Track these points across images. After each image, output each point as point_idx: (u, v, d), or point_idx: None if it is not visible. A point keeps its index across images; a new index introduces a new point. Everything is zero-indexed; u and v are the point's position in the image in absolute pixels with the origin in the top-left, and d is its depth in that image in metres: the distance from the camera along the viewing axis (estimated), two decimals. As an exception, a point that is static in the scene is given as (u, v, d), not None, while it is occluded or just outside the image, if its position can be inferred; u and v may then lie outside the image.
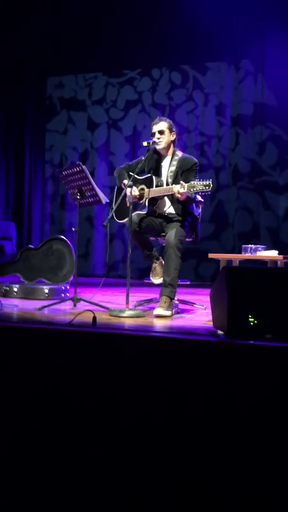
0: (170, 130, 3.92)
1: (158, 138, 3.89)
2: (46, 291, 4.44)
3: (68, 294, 4.56)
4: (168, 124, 3.92)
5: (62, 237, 5.00)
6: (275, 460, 2.33)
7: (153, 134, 3.92)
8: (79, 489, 2.59)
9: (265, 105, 7.09)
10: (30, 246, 5.05)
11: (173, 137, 3.94)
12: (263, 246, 4.07)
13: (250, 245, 4.03)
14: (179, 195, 3.59)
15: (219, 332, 2.85)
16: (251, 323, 2.65)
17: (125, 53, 7.73)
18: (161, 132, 3.90)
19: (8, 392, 2.77)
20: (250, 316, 2.66)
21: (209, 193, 3.53)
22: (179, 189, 3.55)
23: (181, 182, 3.59)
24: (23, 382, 2.79)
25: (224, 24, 7.11)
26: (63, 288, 4.58)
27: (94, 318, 3.02)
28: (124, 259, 7.71)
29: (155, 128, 3.92)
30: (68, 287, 4.65)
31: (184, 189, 3.54)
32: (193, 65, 7.52)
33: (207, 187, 3.49)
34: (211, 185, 3.49)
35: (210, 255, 4.03)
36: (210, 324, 3.04)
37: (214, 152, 7.38)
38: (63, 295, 4.53)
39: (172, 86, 7.64)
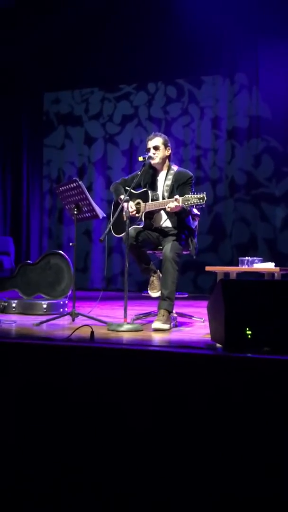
0: (165, 146, 3.96)
1: (154, 153, 3.92)
2: (45, 306, 4.44)
3: (66, 309, 4.57)
4: (163, 140, 3.96)
5: (60, 251, 5.01)
6: (273, 474, 2.32)
7: (148, 149, 3.96)
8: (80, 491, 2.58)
9: (260, 118, 7.15)
10: (28, 261, 5.06)
11: (168, 152, 3.98)
12: (260, 258, 4.09)
13: (246, 258, 4.04)
14: (169, 209, 3.62)
15: (217, 345, 2.85)
16: (249, 336, 2.65)
17: (121, 67, 7.81)
18: (156, 148, 3.93)
19: (6, 408, 2.77)
20: (247, 329, 2.66)
21: (203, 206, 3.56)
22: (175, 203, 3.57)
23: (176, 196, 3.61)
24: (21, 398, 2.78)
25: (218, 37, 7.19)
26: (62, 302, 4.58)
27: (92, 333, 3.02)
28: (122, 272, 7.72)
29: (150, 143, 3.96)
30: (66, 301, 4.65)
31: (179, 203, 3.56)
32: (188, 78, 7.59)
33: (201, 200, 3.52)
34: (205, 198, 3.52)
35: (207, 268, 4.04)
36: (208, 337, 3.04)
37: (211, 164, 7.42)
38: (61, 309, 4.54)
39: (167, 100, 7.70)
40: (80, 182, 3.84)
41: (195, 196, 3.54)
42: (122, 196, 3.97)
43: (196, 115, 7.52)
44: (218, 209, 7.34)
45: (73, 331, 3.11)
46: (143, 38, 7.57)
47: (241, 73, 7.26)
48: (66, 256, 4.90)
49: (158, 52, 7.54)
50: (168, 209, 3.65)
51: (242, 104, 7.25)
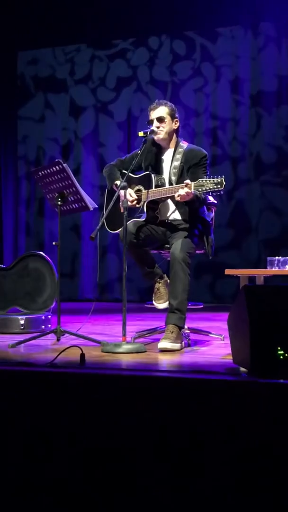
0: (172, 117, 3.97)
1: (158, 127, 3.94)
2: (22, 322, 4.46)
3: (49, 325, 4.58)
4: (169, 109, 3.97)
5: (40, 253, 5.02)
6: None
7: (150, 122, 3.97)
8: None
9: (292, 78, 7.18)
10: (1, 265, 5.08)
11: (175, 125, 3.99)
12: (294, 258, 4.11)
13: (277, 258, 4.06)
14: (178, 197, 3.64)
15: (241, 369, 2.87)
16: (281, 357, 2.67)
17: (115, 18, 7.82)
18: (160, 120, 3.95)
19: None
20: (279, 348, 2.67)
21: (222, 192, 3.57)
22: (186, 190, 3.58)
23: (186, 181, 3.63)
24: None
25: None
26: (43, 317, 4.60)
27: (82, 355, 3.03)
28: (120, 278, 7.69)
29: (153, 114, 3.97)
30: (49, 316, 4.66)
31: (190, 189, 3.58)
32: (201, 31, 7.61)
33: (218, 186, 3.53)
34: (224, 182, 3.53)
35: (227, 271, 4.06)
36: (230, 359, 3.05)
37: (230, 139, 7.44)
38: (43, 326, 4.55)
39: (174, 58, 7.73)
40: (64, 165, 3.85)
41: (211, 180, 3.55)
42: (118, 182, 3.98)
43: (211, 76, 7.54)
44: (241, 195, 7.36)
45: (58, 354, 3.12)
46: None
47: (266, 22, 7.28)
48: (49, 259, 4.91)
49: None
50: (178, 198, 3.66)
51: (270, 62, 7.27)
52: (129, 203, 3.78)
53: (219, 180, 3.54)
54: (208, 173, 3.87)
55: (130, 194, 3.84)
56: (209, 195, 3.70)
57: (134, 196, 3.88)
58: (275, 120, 7.26)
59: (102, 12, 7.84)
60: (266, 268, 4.09)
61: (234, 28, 7.45)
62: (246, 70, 7.40)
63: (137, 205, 3.90)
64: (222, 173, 3.64)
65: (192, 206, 3.83)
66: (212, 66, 7.55)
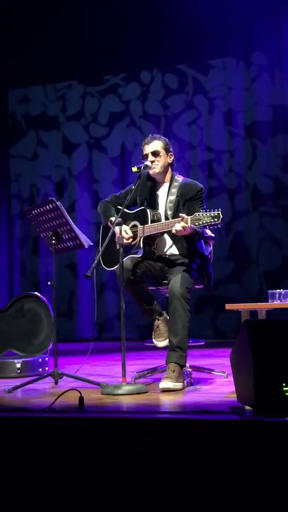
0: (167, 151, 4.01)
1: (152, 161, 3.96)
2: (18, 365, 4.44)
3: (47, 368, 4.55)
4: (163, 143, 4.01)
5: (35, 293, 5.02)
6: None
7: (145, 156, 4.00)
8: None
9: (286, 108, 7.24)
10: (-5, 307, 5.07)
11: (170, 159, 4.02)
12: (297, 290, 4.09)
13: (278, 290, 4.04)
14: (174, 231, 3.64)
15: (246, 407, 2.84)
16: (286, 393, 2.65)
17: (105, 53, 7.94)
18: (155, 154, 3.98)
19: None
20: (284, 384, 2.65)
21: (219, 226, 3.57)
22: (182, 224, 3.59)
23: (181, 214, 3.63)
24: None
25: (228, 9, 7.32)
26: (40, 360, 4.57)
27: (81, 399, 3.01)
28: (119, 315, 7.67)
29: (148, 148, 4.00)
30: (46, 358, 4.64)
31: (187, 223, 3.58)
32: (192, 63, 7.71)
33: (216, 219, 3.54)
34: (221, 216, 3.54)
35: (228, 306, 4.04)
36: (234, 397, 3.03)
37: (226, 170, 7.49)
38: (40, 369, 4.53)
39: (167, 92, 7.81)
40: (58, 203, 3.86)
41: (208, 214, 3.56)
42: (112, 218, 3.99)
43: (204, 108, 7.62)
44: (239, 227, 7.37)
45: (56, 398, 3.09)
46: (133, 15, 7.71)
47: (258, 52, 7.38)
48: (44, 299, 4.90)
49: (153, 31, 7.68)
50: (174, 232, 3.67)
51: (263, 91, 7.35)
52: (125, 240, 3.78)
53: (216, 214, 3.55)
54: (204, 207, 3.89)
55: (125, 231, 3.84)
56: (207, 228, 3.70)
57: (130, 233, 3.88)
58: (271, 150, 7.31)
59: (92, 48, 7.95)
60: (268, 301, 4.07)
61: (225, 60, 7.54)
62: (240, 101, 7.47)
63: (133, 242, 3.90)
64: (219, 205, 3.65)
65: (190, 241, 3.83)
66: (205, 98, 7.63)
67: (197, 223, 3.58)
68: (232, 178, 7.48)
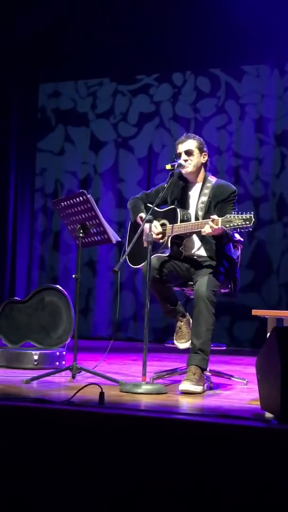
0: (201, 150, 3.97)
1: (185, 160, 3.92)
2: (36, 357, 4.42)
3: (64, 362, 4.52)
4: (197, 143, 3.97)
5: (57, 286, 5.00)
6: None
7: (178, 155, 3.96)
8: None
9: None
10: (16, 298, 5.05)
11: (204, 159, 3.98)
12: None
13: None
14: (204, 233, 3.61)
15: (268, 415, 2.80)
16: (313, 404, 2.61)
17: (139, 53, 7.92)
18: (188, 153, 3.94)
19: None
20: (311, 394, 2.61)
21: (251, 229, 3.53)
22: (212, 225, 3.54)
23: (213, 216, 3.59)
24: (7, 477, 2.73)
25: (265, 17, 7.28)
26: (58, 353, 4.55)
27: (102, 394, 2.98)
28: (136, 316, 7.66)
29: (181, 147, 3.96)
30: (64, 352, 4.61)
31: (217, 225, 3.53)
32: (226, 68, 7.67)
33: (247, 222, 3.49)
34: (253, 219, 3.49)
35: (255, 312, 3.98)
36: (256, 404, 3.00)
37: (253, 178, 7.43)
38: (57, 363, 4.50)
39: (198, 95, 7.77)
40: (88, 196, 3.83)
41: (240, 216, 3.51)
42: (142, 215, 3.95)
43: (235, 114, 7.57)
44: (262, 236, 7.31)
45: (77, 392, 3.07)
46: (168, 15, 7.69)
47: (294, 61, 7.34)
48: (66, 293, 4.87)
49: (187, 33, 7.65)
50: (204, 233, 3.62)
51: (296, 102, 7.30)
52: (154, 236, 3.74)
53: (248, 217, 3.50)
54: (236, 210, 3.83)
55: (155, 226, 3.80)
56: (237, 232, 3.65)
57: (160, 229, 3.83)
58: (300, 160, 7.26)
59: (126, 46, 7.92)
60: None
61: (260, 67, 7.50)
62: (271, 109, 7.42)
63: (161, 240, 3.86)
64: (242, 212, 3.59)
65: (219, 243, 3.79)
66: (236, 104, 7.59)
67: (228, 225, 3.53)
68: (258, 186, 7.42)
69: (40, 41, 8.21)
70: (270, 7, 7.26)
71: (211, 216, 3.62)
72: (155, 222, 3.82)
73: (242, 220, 3.51)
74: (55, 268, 8.21)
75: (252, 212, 3.53)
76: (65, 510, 2.65)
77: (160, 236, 3.83)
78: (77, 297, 4.02)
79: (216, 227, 3.56)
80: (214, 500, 2.48)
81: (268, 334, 3.22)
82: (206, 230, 3.60)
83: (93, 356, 5.19)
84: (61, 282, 7.83)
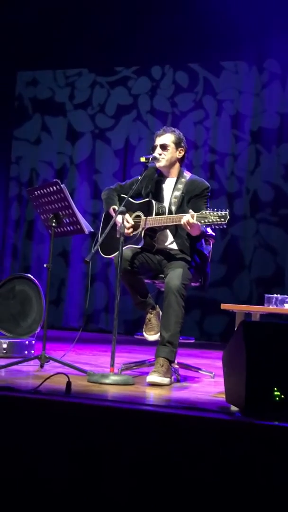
0: (177, 145, 3.97)
1: (160, 154, 3.92)
2: (5, 346, 4.40)
3: (33, 351, 4.51)
4: (175, 137, 3.97)
5: (28, 275, 4.98)
6: None
7: (154, 148, 3.96)
8: None
9: (294, 117, 7.25)
10: (-15, 286, 5.02)
11: (180, 154, 3.98)
12: (292, 297, 4.07)
13: (275, 295, 4.02)
14: (188, 227, 3.60)
15: (233, 408, 2.82)
16: (277, 398, 2.64)
17: (119, 45, 7.89)
18: (163, 147, 3.94)
19: None
20: (275, 388, 2.64)
21: (225, 226, 3.55)
22: (189, 219, 3.55)
23: (191, 211, 3.60)
24: None
25: (245, 14, 7.29)
26: (27, 342, 4.53)
27: (69, 383, 2.98)
28: (108, 307, 7.67)
29: (158, 140, 3.97)
30: (33, 341, 4.59)
31: (193, 219, 3.55)
32: (204, 63, 7.68)
33: (222, 219, 3.51)
34: (228, 217, 3.51)
35: (223, 306, 4.01)
36: (221, 397, 3.02)
37: (228, 174, 7.47)
38: (26, 352, 4.48)
39: (176, 89, 7.78)
40: (62, 185, 3.82)
41: (215, 213, 3.52)
42: (115, 207, 3.95)
43: (213, 110, 7.59)
44: (235, 232, 7.35)
45: (44, 381, 3.06)
46: (148, 9, 7.66)
47: (272, 59, 7.36)
48: (37, 282, 4.86)
49: (167, 27, 7.63)
50: (185, 226, 3.61)
51: (273, 99, 7.33)
52: (126, 230, 3.74)
53: (224, 214, 3.52)
54: (208, 206, 3.85)
55: (127, 220, 3.80)
56: (211, 228, 3.67)
57: (131, 222, 3.84)
58: (275, 157, 7.30)
59: (106, 38, 7.89)
60: (264, 305, 4.05)
61: (238, 63, 7.52)
62: (248, 105, 7.45)
63: (133, 233, 3.86)
64: (217, 207, 3.60)
65: (191, 238, 3.81)
66: (214, 99, 7.60)
67: (202, 221, 3.55)
68: (233, 182, 7.46)
69: (19, 28, 8.13)
70: (250, 4, 7.28)
71: (190, 211, 3.62)
72: (127, 216, 3.81)
73: (217, 217, 3.53)
74: (28, 258, 8.17)
75: (228, 210, 3.55)
76: (28, 499, 2.65)
77: (131, 230, 3.84)
78: (48, 287, 4.00)
79: (192, 221, 3.56)
80: (180, 489, 2.49)
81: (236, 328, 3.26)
82: (184, 219, 3.60)
83: (63, 347, 5.18)
84: (34, 271, 7.78)
